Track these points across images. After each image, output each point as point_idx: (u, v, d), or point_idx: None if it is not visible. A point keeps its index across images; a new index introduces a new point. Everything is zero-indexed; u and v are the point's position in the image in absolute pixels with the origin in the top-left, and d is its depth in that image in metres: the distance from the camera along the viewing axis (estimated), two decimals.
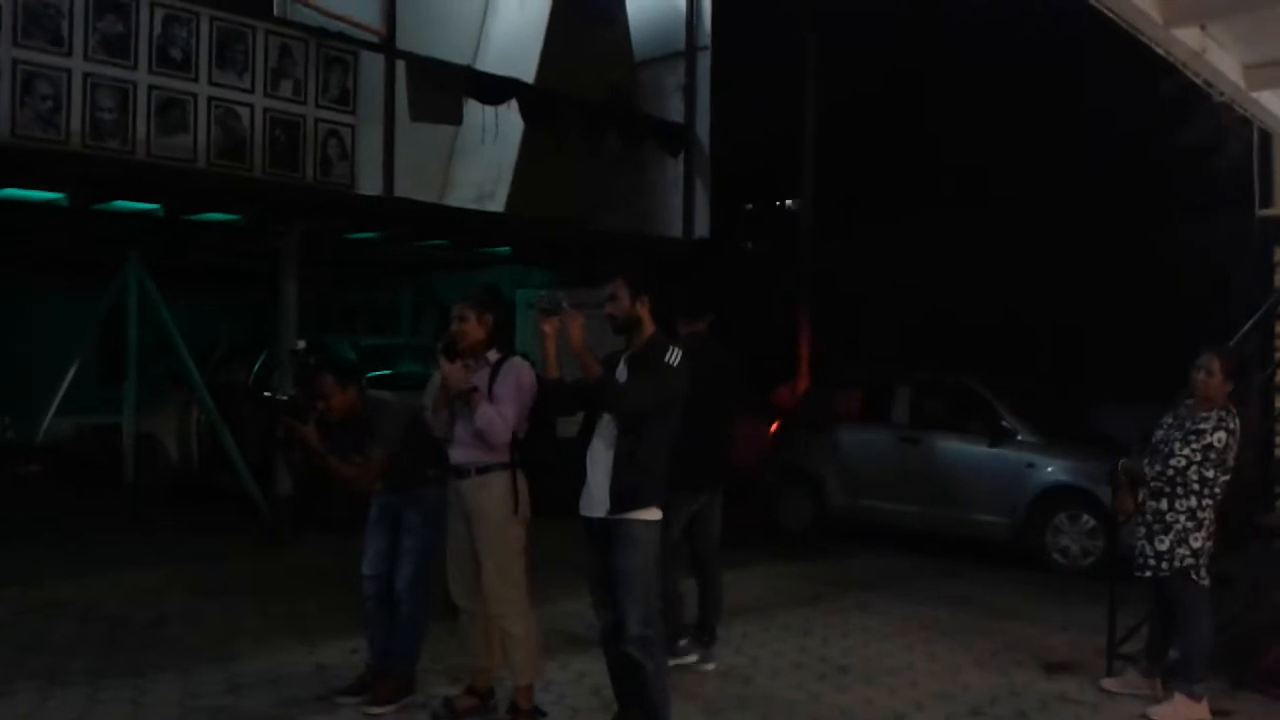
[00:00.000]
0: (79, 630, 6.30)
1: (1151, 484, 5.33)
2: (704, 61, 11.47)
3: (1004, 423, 9.11)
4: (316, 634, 6.25)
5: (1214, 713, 5.20)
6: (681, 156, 11.57)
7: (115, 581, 7.54)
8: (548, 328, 4.43)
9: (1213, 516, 5.27)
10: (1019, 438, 9.00)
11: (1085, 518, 8.56)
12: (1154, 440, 5.47)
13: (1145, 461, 5.38)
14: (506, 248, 11.75)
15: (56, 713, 4.93)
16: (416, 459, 5.03)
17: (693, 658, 5.90)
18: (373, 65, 9.21)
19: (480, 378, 4.80)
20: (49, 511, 10.17)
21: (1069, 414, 9.98)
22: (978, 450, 9.15)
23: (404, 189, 9.35)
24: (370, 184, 9.19)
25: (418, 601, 5.10)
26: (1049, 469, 8.81)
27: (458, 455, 4.82)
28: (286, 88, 8.68)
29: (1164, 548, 5.27)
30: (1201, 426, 5.25)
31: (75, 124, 7.47)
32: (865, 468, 9.78)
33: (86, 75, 7.52)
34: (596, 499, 4.36)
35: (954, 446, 9.34)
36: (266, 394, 5.64)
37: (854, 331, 13.67)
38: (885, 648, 6.40)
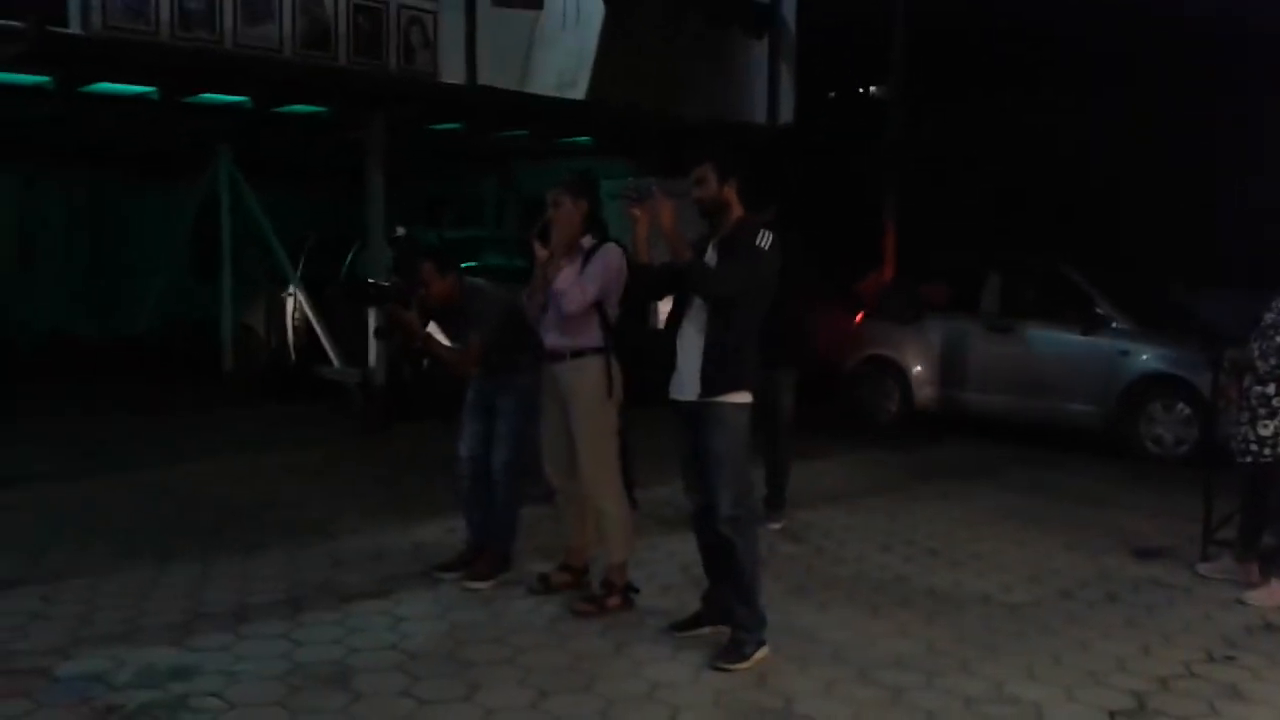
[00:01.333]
0: (187, 512, 6.58)
1: (1262, 373, 5.18)
2: None
3: (1098, 310, 8.91)
4: (414, 514, 6.45)
5: None
6: (766, 39, 11.26)
7: (218, 467, 7.85)
8: (638, 212, 4.41)
9: None
10: (1113, 325, 8.80)
11: (1180, 406, 8.40)
12: (1262, 326, 5.29)
13: (1255, 349, 5.23)
14: (588, 138, 11.64)
15: (171, 586, 5.19)
16: (511, 346, 5.09)
17: (778, 525, 6.29)
18: None
19: (575, 264, 4.81)
20: (150, 402, 10.55)
21: (1164, 300, 9.71)
22: (1070, 338, 8.98)
23: (486, 77, 9.26)
24: (452, 72, 9.13)
25: (512, 483, 5.23)
26: (1144, 356, 8.63)
27: (552, 340, 4.87)
28: None
29: (1268, 433, 5.16)
30: None
31: (164, 14, 7.50)
32: (953, 358, 9.66)
33: None
34: (687, 383, 4.38)
35: (1045, 335, 9.17)
36: (370, 281, 5.71)
37: (941, 220, 13.36)
38: (973, 533, 6.40)
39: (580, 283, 4.71)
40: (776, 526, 6.36)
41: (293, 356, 11.09)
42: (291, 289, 10.71)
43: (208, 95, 8.86)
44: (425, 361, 5.32)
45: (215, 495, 7.00)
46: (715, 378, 4.32)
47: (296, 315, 10.86)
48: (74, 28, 7.26)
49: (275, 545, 5.85)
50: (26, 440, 8.52)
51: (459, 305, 5.16)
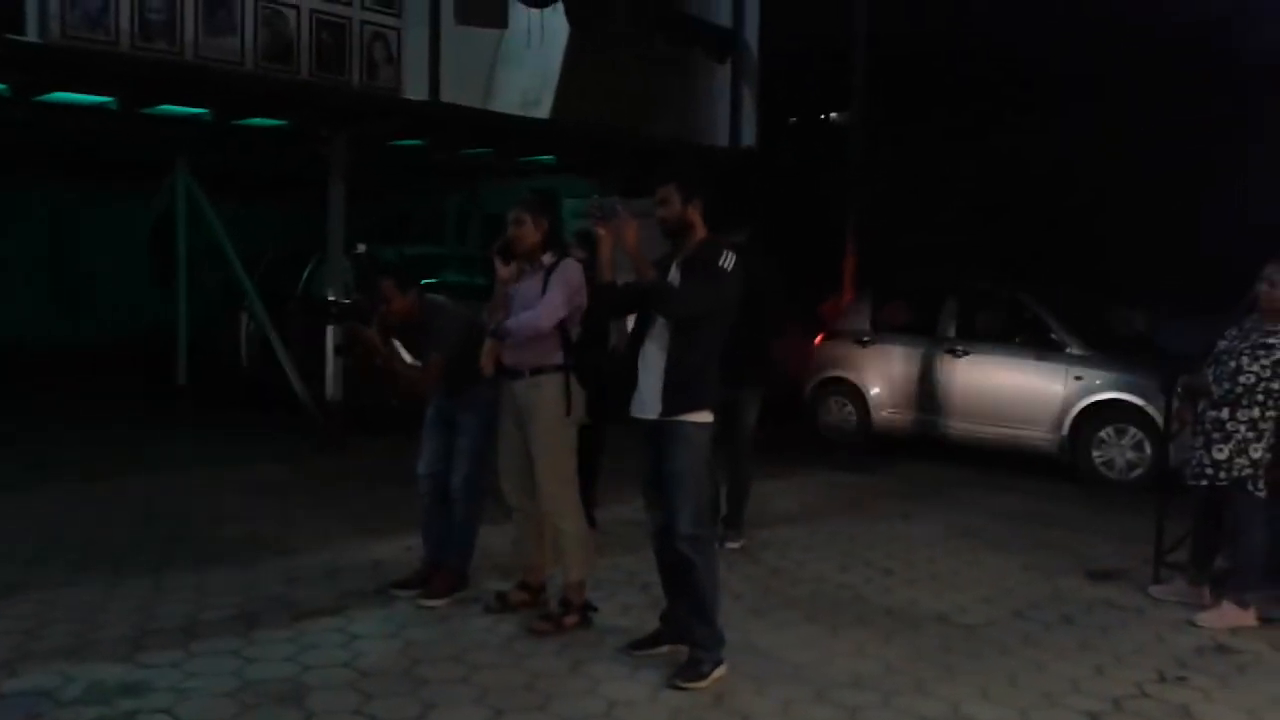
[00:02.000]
0: (140, 526, 6.48)
1: (1216, 397, 5.28)
2: None
3: (1052, 334, 9.03)
4: (371, 531, 6.40)
5: (1261, 620, 5.21)
6: (729, 63, 11.36)
7: (173, 480, 7.75)
8: (602, 231, 4.42)
9: (1274, 428, 5.23)
10: (1067, 350, 8.92)
11: (1132, 431, 8.51)
12: (1217, 351, 5.39)
13: (1210, 375, 5.33)
14: (551, 156, 11.66)
15: (123, 600, 5.10)
16: (471, 363, 5.07)
17: (737, 545, 6.32)
18: None
19: (535, 281, 4.82)
20: (105, 411, 10.40)
21: (1121, 325, 9.86)
22: (1025, 362, 9.08)
23: (449, 95, 9.26)
24: (416, 89, 9.11)
25: (471, 500, 5.20)
26: (1097, 382, 8.74)
27: (511, 357, 4.87)
28: None
29: (1222, 457, 5.24)
30: (1271, 341, 5.19)
31: (124, 24, 7.43)
32: (910, 380, 9.74)
33: None
34: (648, 401, 4.38)
35: (1001, 358, 9.27)
36: (331, 298, 5.66)
37: (904, 243, 13.51)
38: (930, 554, 6.45)
39: (547, 303, 4.71)
40: (735, 545, 6.37)
41: (245, 370, 10.99)
42: (246, 303, 10.61)
43: (167, 106, 8.76)
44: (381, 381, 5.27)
45: (169, 509, 6.90)
46: (677, 397, 4.33)
47: (250, 328, 10.76)
48: (32, 36, 7.17)
49: (229, 561, 5.77)
50: None
51: (419, 322, 5.14)
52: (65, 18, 7.19)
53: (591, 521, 6.28)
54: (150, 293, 12.67)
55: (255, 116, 9.23)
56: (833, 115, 17.20)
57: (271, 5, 8.22)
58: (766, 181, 13.41)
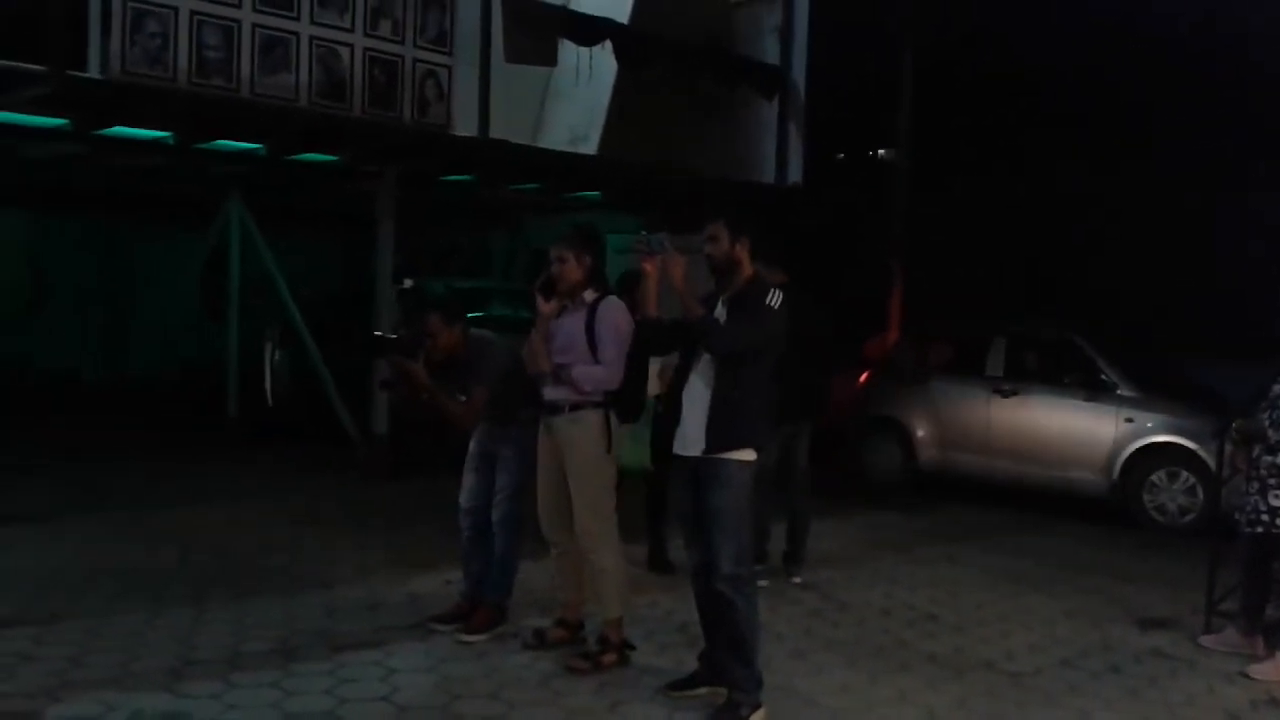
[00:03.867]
0: (184, 557, 6.54)
1: (1272, 442, 5.16)
2: (802, 2, 11.24)
3: (1103, 376, 8.89)
4: (412, 565, 6.40)
5: None
6: (776, 100, 11.39)
7: (218, 512, 7.81)
8: (649, 267, 4.43)
9: None
10: (1118, 392, 8.77)
11: (1185, 475, 8.34)
12: (1271, 396, 5.28)
13: (1266, 420, 5.22)
14: (597, 192, 11.73)
15: (165, 630, 5.14)
16: (512, 397, 5.08)
17: (764, 583, 6.08)
18: (469, 5, 9.19)
19: (578, 318, 4.83)
20: (153, 443, 10.54)
21: (1169, 369, 9.70)
22: (1075, 404, 8.95)
23: (498, 131, 9.36)
24: (466, 125, 9.23)
25: (510, 536, 5.20)
26: (1149, 424, 8.58)
27: (551, 393, 4.87)
28: (385, 27, 8.72)
29: (1278, 503, 5.11)
30: None
31: (182, 62, 7.61)
32: (957, 420, 9.63)
33: (193, 13, 7.64)
34: (692, 438, 4.37)
35: (1050, 400, 9.14)
36: (377, 334, 5.69)
37: (946, 283, 13.42)
38: (975, 599, 6.34)
39: (603, 362, 4.73)
40: (797, 580, 6.42)
41: (294, 403, 11.09)
42: (272, 335, 10.77)
43: (223, 142, 8.94)
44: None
45: (213, 540, 6.95)
46: (721, 434, 4.31)
47: (275, 360, 10.89)
48: (93, 72, 7.36)
49: (270, 593, 5.80)
50: (28, 480, 8.51)
51: (464, 357, 5.16)
52: (125, 55, 7.38)
53: (665, 565, 6.24)
54: (202, 326, 12.86)
55: (308, 152, 9.39)
56: (880, 152, 17.17)
57: (326, 43, 8.38)
58: (813, 218, 13.39)
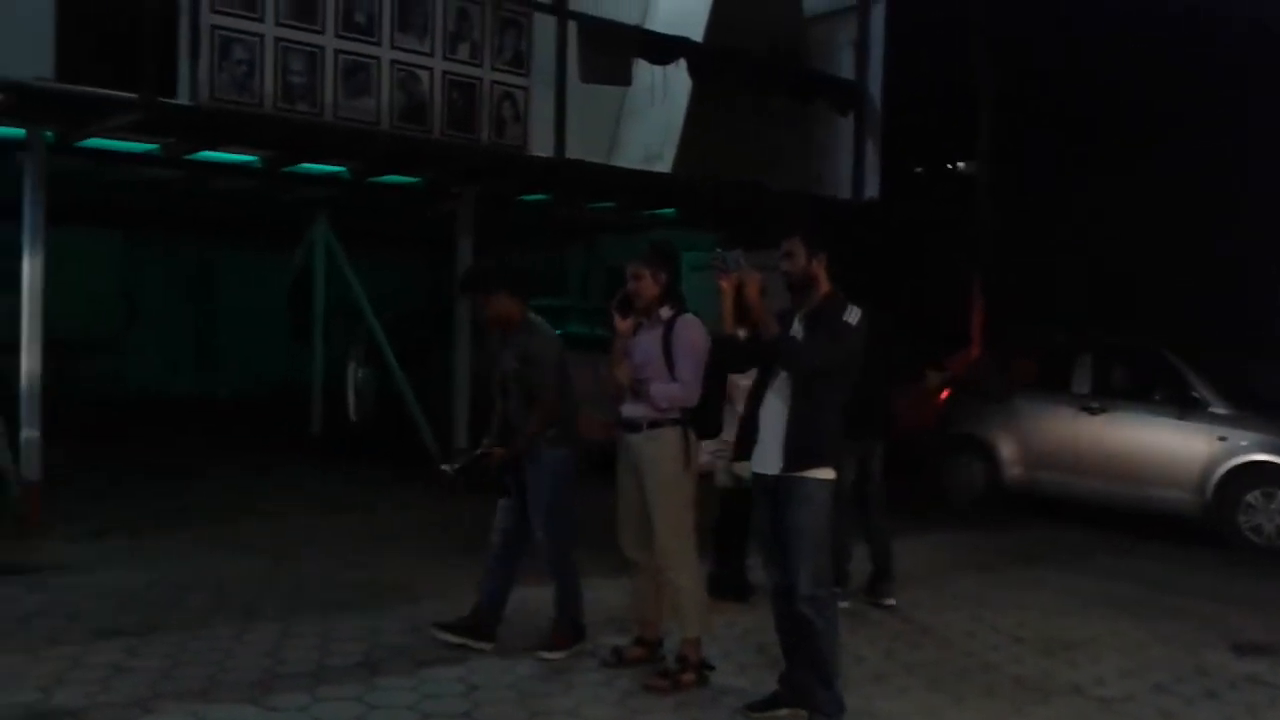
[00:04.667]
0: (271, 571, 6.67)
1: None
2: (878, 16, 11.16)
3: (1194, 393, 8.63)
4: None
5: None
6: (852, 115, 11.32)
7: (302, 527, 7.96)
8: (725, 284, 4.42)
9: None
10: (1211, 409, 8.51)
11: None
12: None
13: None
14: (672, 210, 11.76)
15: (253, 644, 5.24)
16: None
17: (847, 604, 6.06)
18: (545, 27, 9.30)
19: (653, 336, 4.84)
20: (240, 460, 10.78)
21: (1267, 384, 9.38)
22: (1165, 421, 8.70)
23: (574, 150, 9.44)
24: (542, 145, 9.32)
25: (558, 556, 5.16)
26: (1243, 443, 8.31)
27: (629, 410, 4.88)
28: (464, 50, 8.85)
29: None
30: None
31: (268, 87, 7.80)
32: (1042, 438, 9.42)
33: (278, 40, 7.84)
34: (770, 456, 4.34)
35: (1139, 417, 8.90)
36: (444, 467, 5.77)
37: (1031, 297, 13.18)
38: (1063, 622, 6.18)
39: (679, 381, 4.72)
40: (890, 603, 6.31)
41: (352, 419, 11.28)
42: (355, 353, 10.97)
43: (308, 165, 9.15)
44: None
45: (299, 555, 7.08)
46: (799, 452, 4.27)
47: (359, 378, 11.08)
48: (183, 99, 7.59)
49: (355, 607, 5.89)
50: (120, 495, 8.76)
51: (516, 332, 5.16)
52: (214, 81, 7.59)
53: (745, 591, 6.16)
54: (287, 345, 13.16)
55: (390, 174, 9.57)
56: (959, 165, 16.96)
57: (406, 68, 8.53)
58: (891, 234, 13.26)
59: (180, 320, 15.34)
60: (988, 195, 13.03)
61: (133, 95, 7.12)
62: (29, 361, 7.40)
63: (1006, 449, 9.63)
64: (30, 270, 7.40)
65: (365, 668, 4.96)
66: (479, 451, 5.30)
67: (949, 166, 17.61)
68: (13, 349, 7.44)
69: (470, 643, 5.20)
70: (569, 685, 4.82)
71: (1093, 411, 9.10)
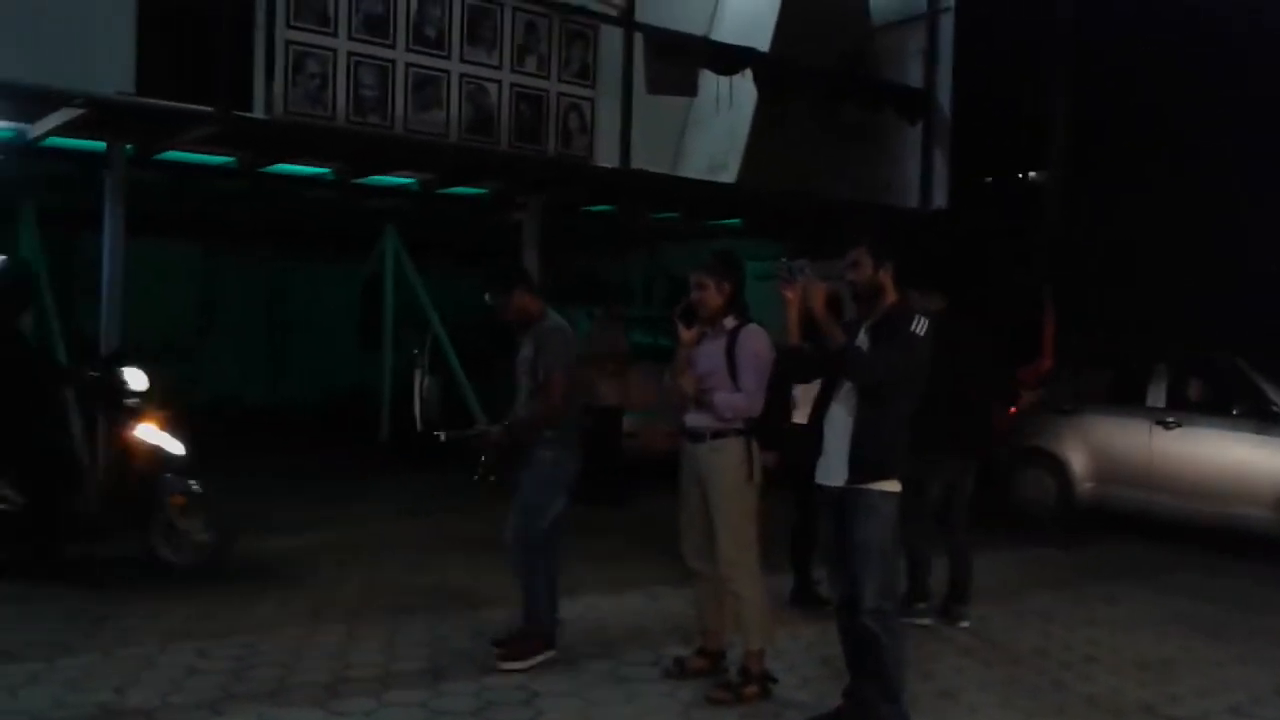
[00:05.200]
0: (339, 575, 6.77)
1: None
2: (947, 24, 11.06)
3: (1275, 406, 8.38)
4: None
5: None
6: (920, 124, 11.22)
7: (369, 532, 8.07)
8: (790, 294, 4.40)
9: None
10: None
11: None
12: None
13: None
14: (737, 220, 11.74)
15: (320, 648, 5.32)
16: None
17: (928, 620, 6.04)
18: (611, 39, 9.37)
19: (718, 345, 4.83)
20: (309, 466, 10.95)
21: None
22: (1244, 435, 8.45)
23: (639, 161, 9.49)
24: (607, 156, 9.38)
25: (525, 561, 5.13)
26: None
27: (693, 420, 4.87)
28: (531, 63, 8.95)
29: None
30: None
31: (340, 101, 7.95)
32: (1115, 452, 9.20)
33: (350, 54, 7.99)
34: (835, 467, 4.29)
35: (1216, 431, 8.65)
36: (441, 435, 5.87)
37: (1104, 308, 12.91)
38: (1136, 640, 6.03)
39: (742, 390, 4.71)
40: (965, 624, 6.10)
41: (419, 426, 11.38)
42: (421, 361, 11.06)
43: (378, 177, 9.31)
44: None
45: (366, 559, 7.18)
46: (865, 464, 4.22)
47: (425, 387, 11.18)
48: (258, 113, 7.77)
49: (420, 611, 5.95)
50: None
51: (535, 326, 5.19)
52: (288, 95, 7.76)
53: (816, 598, 6.10)
54: (356, 353, 13.36)
55: (458, 185, 9.69)
56: (1030, 174, 16.69)
57: (475, 80, 8.64)
58: (959, 243, 13.09)
59: (254, 330, 15.66)
60: (1058, 204, 12.80)
61: (209, 109, 7.30)
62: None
63: (1078, 463, 9.42)
64: (110, 280, 7.60)
65: (430, 673, 5.00)
66: (477, 430, 5.34)
67: (1020, 176, 17.34)
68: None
69: (506, 664, 5.14)
70: (631, 695, 4.82)
71: (1168, 426, 8.88)
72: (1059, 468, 9.53)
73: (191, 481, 6.48)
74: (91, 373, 6.65)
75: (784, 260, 4.49)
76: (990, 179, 17.33)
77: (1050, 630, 6.14)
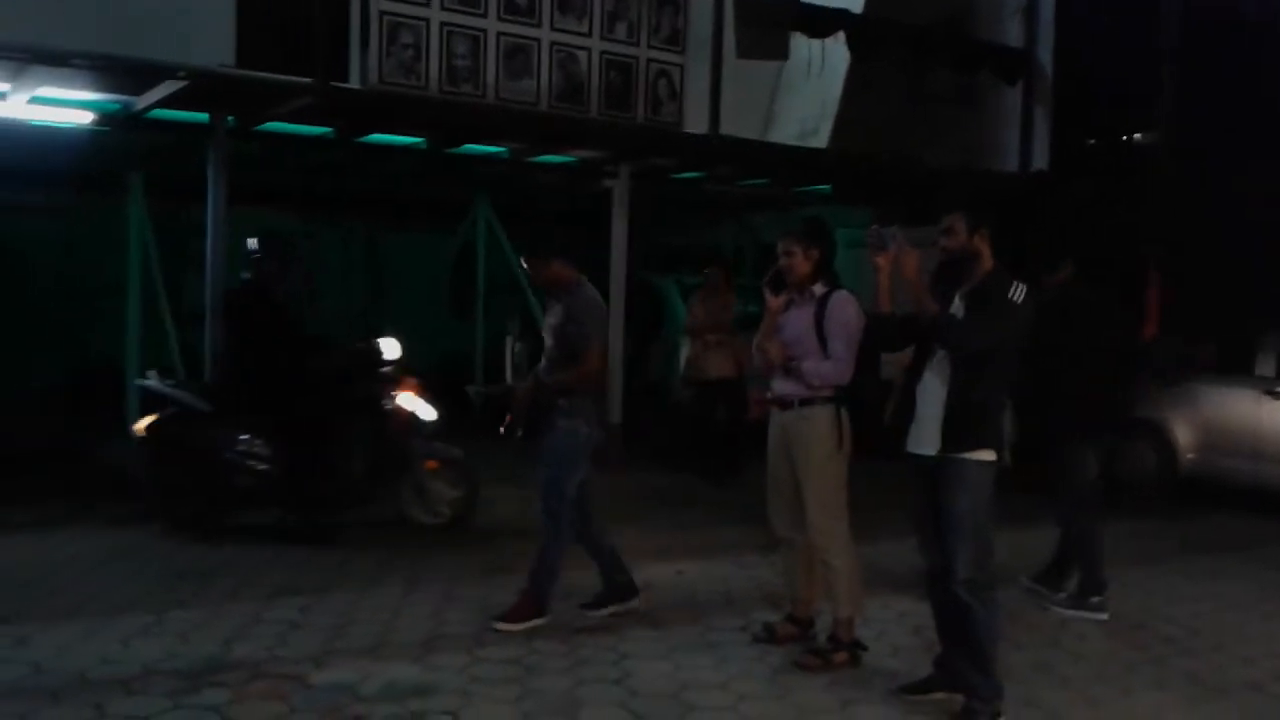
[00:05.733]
0: (436, 535, 6.92)
1: None
2: None
3: None
4: (642, 554, 6.46)
5: None
6: (1020, 85, 10.91)
7: None
8: (881, 261, 4.33)
9: None
10: None
11: None
12: None
13: None
14: (827, 186, 11.58)
15: (418, 606, 5.49)
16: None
17: (1104, 615, 5.72)
18: (702, 3, 9.28)
19: (806, 312, 4.79)
20: None
21: None
22: None
23: (729, 127, 9.40)
24: (696, 123, 9.32)
25: (551, 530, 5.18)
26: None
27: (781, 387, 4.85)
28: (621, 30, 8.92)
29: None
30: None
31: (434, 71, 8.03)
32: (1222, 423, 8.91)
33: (443, 24, 8.06)
34: (927, 436, 4.23)
35: None
36: (472, 390, 5.96)
37: (1212, 275, 12.45)
38: (1240, 616, 5.86)
39: (832, 358, 4.68)
40: (1103, 616, 5.71)
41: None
42: (513, 329, 11.17)
43: (470, 146, 9.39)
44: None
45: (463, 522, 7.30)
46: (959, 433, 4.16)
47: (516, 353, 11.30)
48: (354, 83, 7.89)
49: (516, 571, 6.02)
50: None
51: (566, 293, 5.20)
52: (382, 66, 7.86)
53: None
54: (448, 320, 13.55)
55: (548, 153, 9.74)
56: (1137, 136, 16.13)
57: (565, 48, 8.65)
58: (1061, 208, 12.73)
59: (350, 297, 15.97)
60: (1166, 168, 12.34)
61: (308, 80, 7.44)
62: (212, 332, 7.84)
63: (1183, 434, 9.15)
64: (213, 249, 7.83)
65: (523, 632, 5.09)
66: (504, 386, 5.39)
67: (1126, 138, 16.77)
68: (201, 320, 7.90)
69: (618, 608, 5.29)
70: (721, 659, 4.85)
71: (1277, 395, 8.56)
72: (1162, 438, 9.27)
73: (444, 445, 6.68)
74: (358, 343, 6.87)
75: (875, 227, 4.42)
76: (1092, 141, 16.80)
77: (1150, 604, 6.01)
